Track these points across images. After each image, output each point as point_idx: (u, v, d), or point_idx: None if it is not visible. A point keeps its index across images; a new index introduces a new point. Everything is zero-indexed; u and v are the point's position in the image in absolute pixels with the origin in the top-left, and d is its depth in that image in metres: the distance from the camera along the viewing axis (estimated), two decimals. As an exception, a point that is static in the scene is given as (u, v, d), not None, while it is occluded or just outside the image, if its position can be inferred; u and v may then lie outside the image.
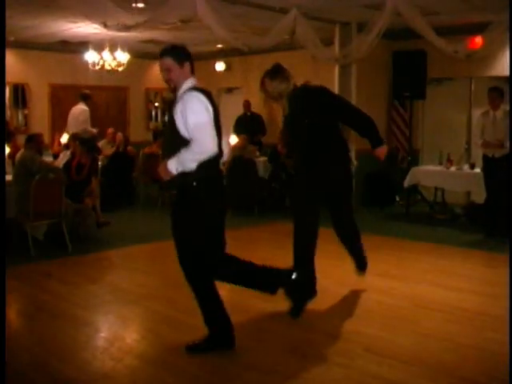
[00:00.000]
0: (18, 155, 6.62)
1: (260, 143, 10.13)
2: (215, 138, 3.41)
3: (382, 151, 4.44)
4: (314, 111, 4.35)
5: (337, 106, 4.45)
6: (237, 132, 9.69)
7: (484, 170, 7.12)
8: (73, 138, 7.89)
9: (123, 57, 9.89)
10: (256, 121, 10.56)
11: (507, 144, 6.64)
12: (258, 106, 10.53)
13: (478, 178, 7.29)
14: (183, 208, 3.55)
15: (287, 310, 4.17)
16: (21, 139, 8.01)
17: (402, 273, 5.56)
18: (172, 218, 3.60)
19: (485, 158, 7.04)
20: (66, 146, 8.62)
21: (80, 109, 9.91)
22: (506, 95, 7.22)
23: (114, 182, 8.95)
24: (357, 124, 4.49)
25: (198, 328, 3.93)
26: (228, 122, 11.76)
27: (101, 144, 9.66)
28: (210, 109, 3.45)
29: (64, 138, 9.03)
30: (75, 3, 6.14)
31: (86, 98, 10.00)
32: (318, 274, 4.53)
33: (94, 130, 9.79)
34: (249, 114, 10.71)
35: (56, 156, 8.66)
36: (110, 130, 10.16)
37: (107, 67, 9.88)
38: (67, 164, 7.10)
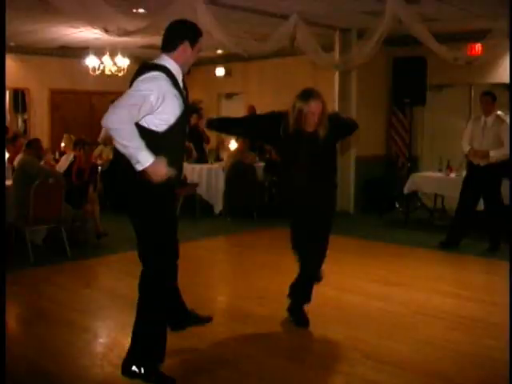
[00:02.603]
0: (18, 160, 6.62)
1: (261, 149, 10.11)
2: None
3: None
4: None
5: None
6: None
7: (465, 176, 6.89)
8: (78, 142, 7.76)
9: (123, 62, 9.92)
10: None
11: (494, 153, 6.42)
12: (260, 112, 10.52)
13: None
14: None
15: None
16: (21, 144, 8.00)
17: (402, 279, 5.55)
18: None
19: (470, 165, 6.78)
20: (64, 152, 8.59)
21: None
22: (505, 101, 7.22)
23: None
24: None
25: (195, 333, 3.93)
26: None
27: (100, 148, 9.64)
28: None
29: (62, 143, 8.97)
30: (76, 8, 6.14)
31: None
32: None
33: None
34: (252, 119, 10.67)
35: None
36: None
37: (107, 72, 9.90)
38: (69, 168, 7.10)
